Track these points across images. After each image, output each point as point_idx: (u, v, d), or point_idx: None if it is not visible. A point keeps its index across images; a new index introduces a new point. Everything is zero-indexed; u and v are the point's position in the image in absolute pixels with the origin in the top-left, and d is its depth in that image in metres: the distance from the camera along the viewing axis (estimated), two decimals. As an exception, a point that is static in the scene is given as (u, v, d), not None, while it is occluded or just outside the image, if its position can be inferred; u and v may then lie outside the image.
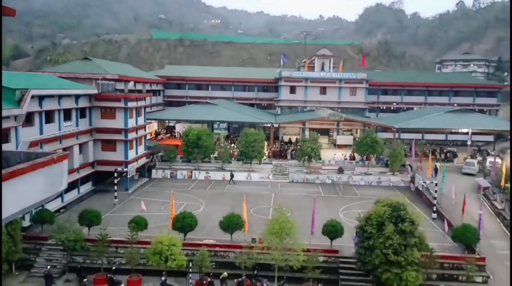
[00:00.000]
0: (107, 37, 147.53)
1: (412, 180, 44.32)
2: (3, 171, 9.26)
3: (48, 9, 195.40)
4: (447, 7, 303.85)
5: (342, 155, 51.53)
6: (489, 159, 48.37)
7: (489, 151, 56.45)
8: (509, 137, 56.81)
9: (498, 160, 44.24)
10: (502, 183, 36.24)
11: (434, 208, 34.45)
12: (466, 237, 26.18)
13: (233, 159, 48.21)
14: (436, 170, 44.07)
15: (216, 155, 48.00)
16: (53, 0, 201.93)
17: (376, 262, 21.85)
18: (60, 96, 33.97)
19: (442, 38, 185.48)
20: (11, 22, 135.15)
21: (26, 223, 28.97)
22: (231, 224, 27.08)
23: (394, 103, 69.47)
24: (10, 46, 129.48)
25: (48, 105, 32.42)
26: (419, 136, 59.34)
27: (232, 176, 45.03)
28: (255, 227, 28.05)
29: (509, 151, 46.13)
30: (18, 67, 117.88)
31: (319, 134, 50.71)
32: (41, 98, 31.15)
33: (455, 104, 65.88)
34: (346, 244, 26.68)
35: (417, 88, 69.56)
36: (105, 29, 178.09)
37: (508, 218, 32.68)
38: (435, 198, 34.63)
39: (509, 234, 31.16)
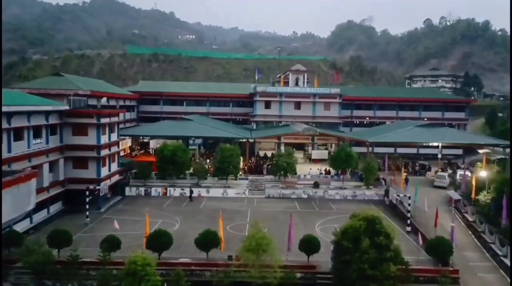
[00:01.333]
0: (80, 52, 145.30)
1: (386, 193, 44.94)
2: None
3: (18, 22, 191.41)
4: (415, 24, 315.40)
5: (318, 169, 51.90)
6: (459, 172, 49.59)
7: (458, 164, 58.02)
8: (477, 150, 58.69)
9: (468, 173, 45.44)
10: (473, 196, 37.15)
11: (408, 221, 34.94)
12: (439, 250, 26.58)
13: (208, 174, 47.79)
14: (406, 180, 44.78)
15: (191, 171, 47.48)
16: (23, 13, 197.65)
17: (354, 277, 21.89)
18: (29, 113, 33.06)
19: (411, 55, 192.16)
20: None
21: (-8, 245, 27.74)
22: (207, 241, 26.65)
23: (367, 118, 70.86)
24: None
25: (17, 122, 31.47)
26: (391, 150, 60.48)
27: (191, 192, 44.45)
28: (232, 244, 27.68)
29: (477, 163, 47.63)
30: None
31: (294, 149, 51.00)
32: (9, 115, 30.21)
33: (425, 119, 67.68)
34: (323, 259, 26.61)
35: (389, 103, 71.25)
36: (77, 44, 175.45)
37: (479, 230, 33.49)
38: (408, 211, 35.14)
39: (481, 245, 31.93)
